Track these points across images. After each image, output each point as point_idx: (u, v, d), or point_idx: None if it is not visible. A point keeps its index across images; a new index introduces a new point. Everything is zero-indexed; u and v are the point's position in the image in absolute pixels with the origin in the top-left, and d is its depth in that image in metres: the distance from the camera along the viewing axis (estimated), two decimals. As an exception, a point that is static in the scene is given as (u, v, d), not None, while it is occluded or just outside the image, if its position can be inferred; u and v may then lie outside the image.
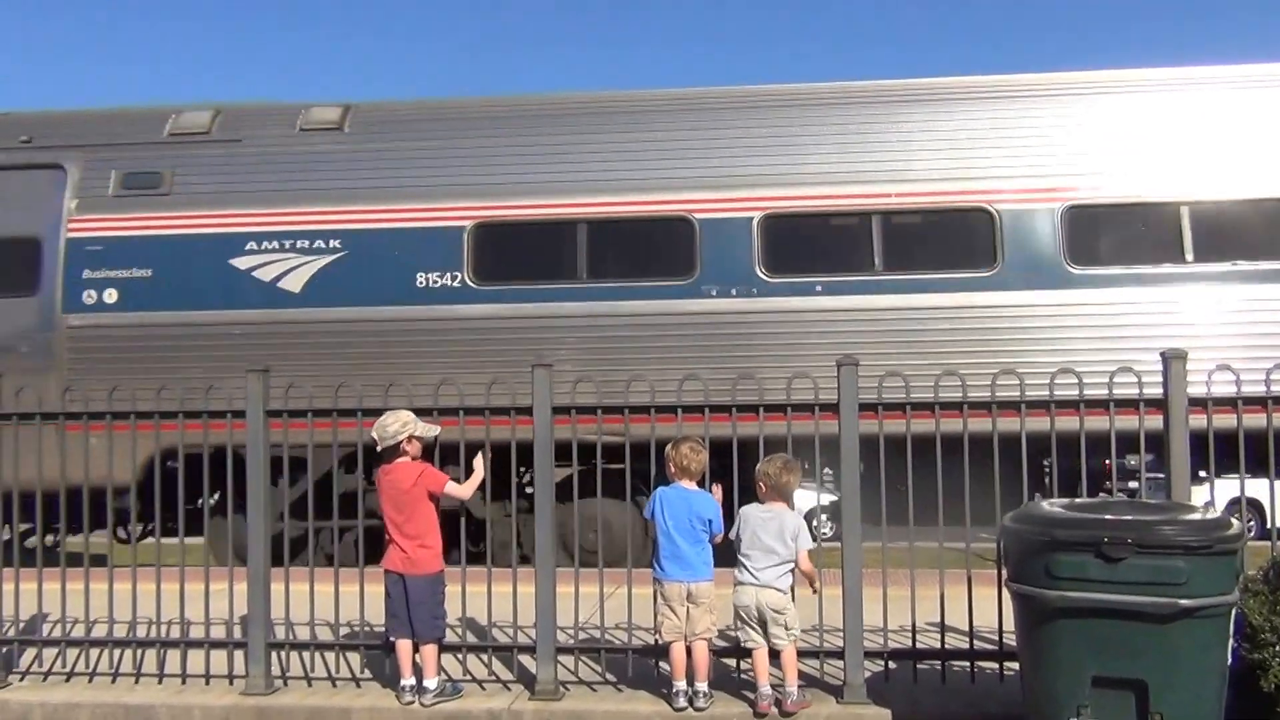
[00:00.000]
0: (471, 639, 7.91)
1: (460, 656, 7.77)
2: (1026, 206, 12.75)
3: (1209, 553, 5.48)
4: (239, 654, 7.82)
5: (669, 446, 7.38)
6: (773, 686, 7.05)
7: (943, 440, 7.31)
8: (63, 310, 13.21)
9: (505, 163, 13.30)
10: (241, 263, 13.17)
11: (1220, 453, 7.41)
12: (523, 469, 10.07)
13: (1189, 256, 12.58)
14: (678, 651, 7.17)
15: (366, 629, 7.86)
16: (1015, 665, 6.63)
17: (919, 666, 7.45)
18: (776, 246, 12.91)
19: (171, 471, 8.93)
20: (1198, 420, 7.26)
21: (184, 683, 7.85)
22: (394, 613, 7.40)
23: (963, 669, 7.41)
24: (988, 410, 7.41)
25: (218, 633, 7.96)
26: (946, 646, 7.43)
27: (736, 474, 7.53)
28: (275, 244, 13.16)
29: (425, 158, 13.47)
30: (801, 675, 7.16)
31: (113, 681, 7.93)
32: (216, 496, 11.88)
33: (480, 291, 12.96)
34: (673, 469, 7.33)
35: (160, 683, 7.88)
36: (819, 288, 12.74)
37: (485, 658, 7.83)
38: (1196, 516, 5.81)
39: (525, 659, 7.73)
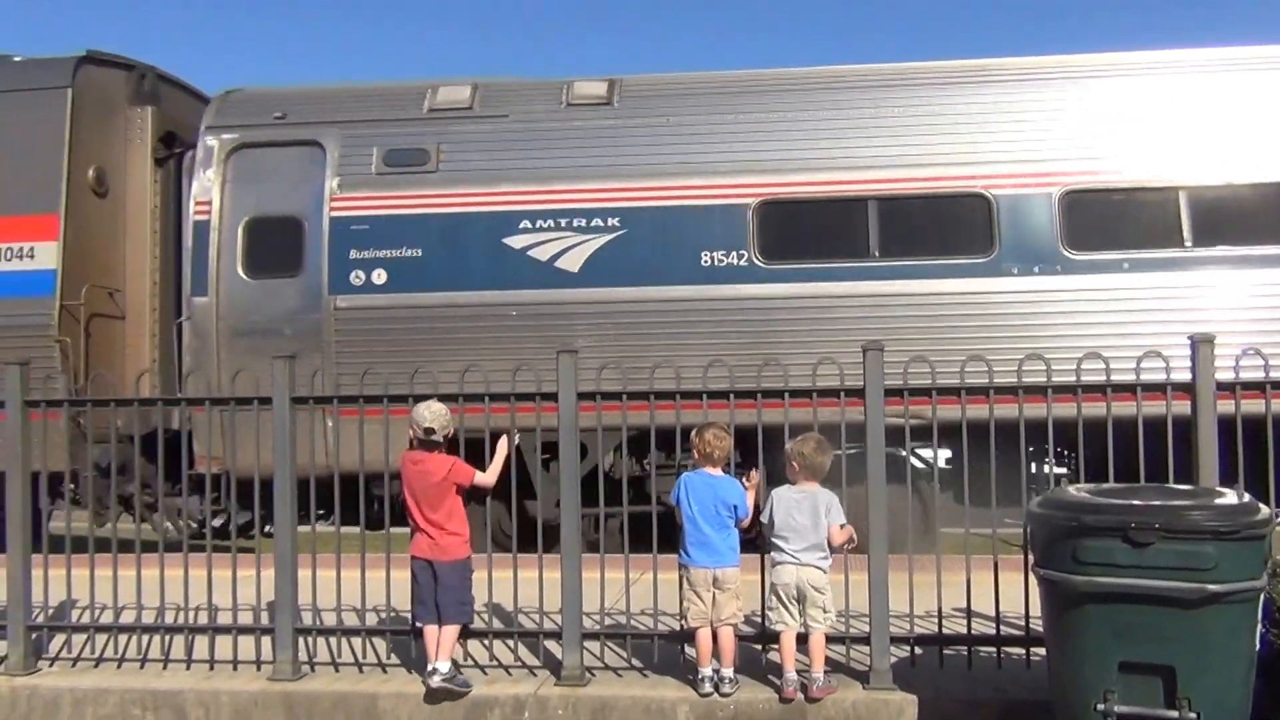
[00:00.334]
0: (497, 625, 7.94)
1: (486, 642, 7.81)
2: None
3: (1237, 538, 5.46)
4: (266, 640, 7.86)
5: (694, 433, 7.38)
6: (798, 672, 7.05)
7: (970, 426, 7.31)
8: (329, 291, 12.83)
9: (791, 138, 12.80)
10: (516, 242, 12.73)
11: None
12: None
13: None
14: (703, 637, 7.18)
15: (393, 615, 7.89)
16: (1042, 651, 6.61)
17: (945, 652, 7.43)
18: (1079, 223, 12.40)
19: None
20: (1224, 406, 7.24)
21: (212, 668, 7.89)
22: (421, 599, 7.42)
23: (989, 655, 7.40)
24: (1014, 395, 7.41)
25: (245, 619, 7.99)
26: (973, 632, 7.41)
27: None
28: (551, 222, 12.73)
29: (704, 132, 12.93)
30: (827, 661, 7.16)
31: (141, 667, 7.97)
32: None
33: (767, 270, 12.48)
34: (697, 455, 7.34)
35: (188, 668, 7.92)
36: (1126, 265, 12.20)
37: (511, 644, 7.83)
38: (1224, 501, 5.79)
39: (551, 645, 7.75)
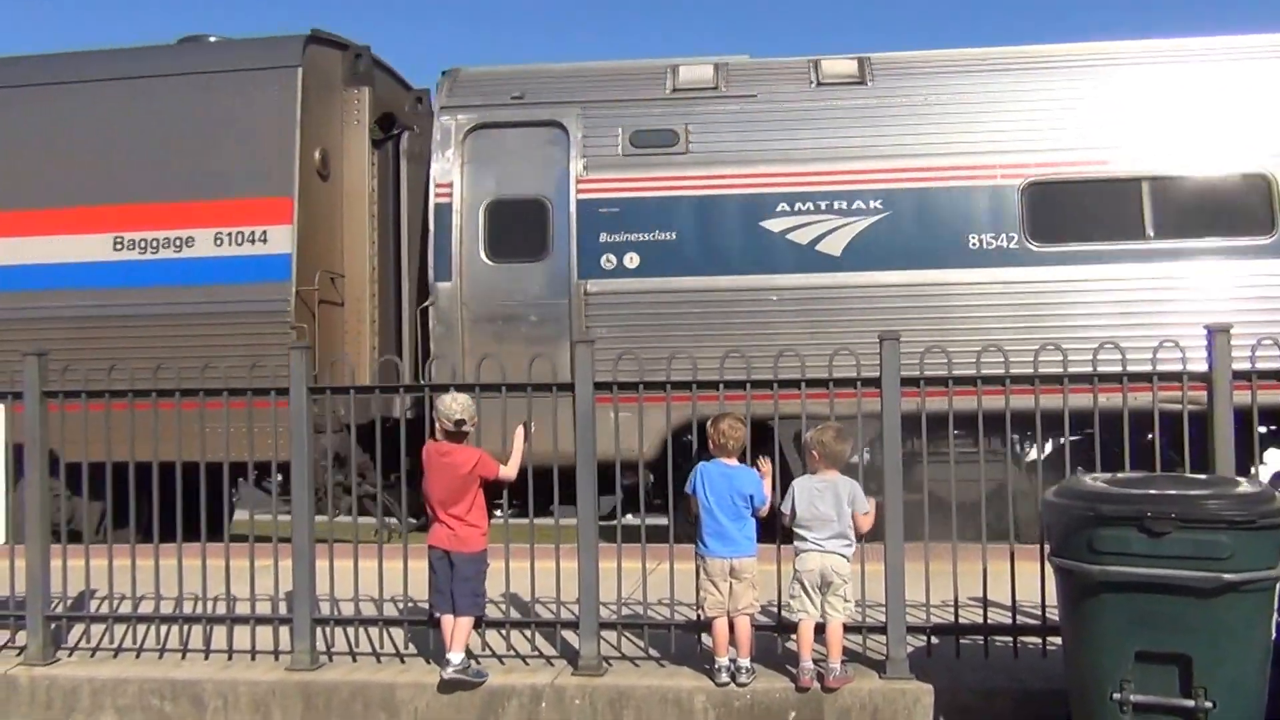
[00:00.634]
0: (515, 615, 7.95)
1: (504, 632, 7.81)
2: None
3: (1253, 527, 5.45)
4: (284, 630, 7.89)
5: (709, 423, 7.39)
6: (815, 661, 7.06)
7: (986, 416, 7.31)
8: (579, 275, 12.55)
9: (1060, 117, 12.44)
10: (774, 225, 12.40)
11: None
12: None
13: None
14: (720, 627, 7.19)
15: (410, 605, 7.92)
16: (1058, 640, 6.61)
17: (962, 642, 7.43)
18: None
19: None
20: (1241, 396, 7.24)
21: (230, 658, 7.92)
22: (438, 588, 7.45)
23: (1005, 644, 7.41)
24: (1031, 385, 7.40)
25: (263, 609, 8.02)
26: (989, 622, 7.41)
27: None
28: (810, 205, 12.39)
29: (966, 111, 12.57)
30: (844, 651, 7.16)
31: (159, 657, 8.01)
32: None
33: (1039, 253, 12.15)
34: (712, 446, 7.35)
35: (206, 658, 7.96)
36: None
37: (528, 633, 7.85)
38: (1240, 490, 5.77)
39: (568, 634, 7.76)
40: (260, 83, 13.01)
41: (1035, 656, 7.27)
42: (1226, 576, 5.39)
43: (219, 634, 8.04)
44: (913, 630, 7.35)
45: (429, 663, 7.68)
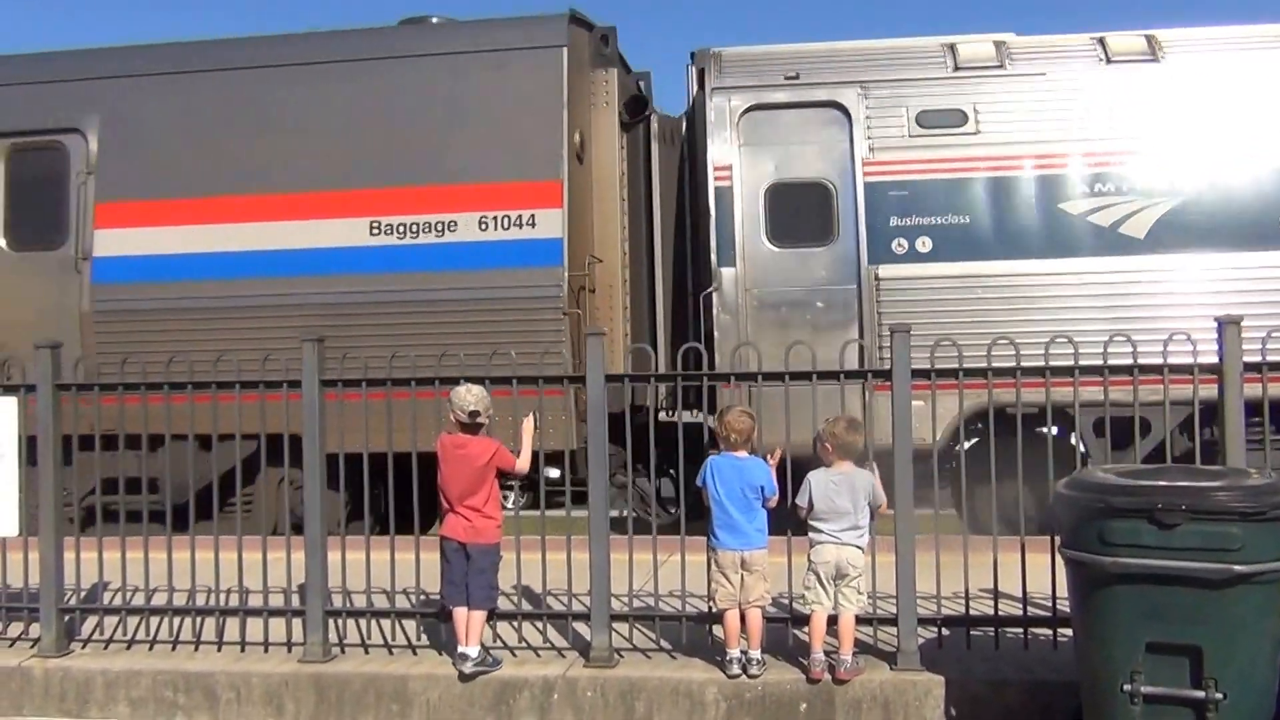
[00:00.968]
0: (526, 607, 7.97)
1: (515, 624, 7.83)
2: None
3: (1263, 518, 5.46)
4: (297, 622, 7.91)
5: (717, 415, 7.40)
6: (826, 653, 7.07)
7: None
8: (869, 260, 12.21)
9: None
10: (1074, 206, 12.12)
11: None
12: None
13: None
14: (731, 619, 7.21)
15: (423, 597, 7.94)
16: (1068, 632, 6.63)
17: (972, 633, 7.45)
18: None
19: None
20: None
21: (243, 650, 7.94)
22: (452, 580, 7.47)
23: (1016, 636, 7.42)
24: (1041, 378, 7.41)
25: (276, 601, 8.04)
26: (1000, 613, 7.42)
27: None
28: (1111, 186, 12.12)
29: (1273, 87, 12.23)
30: (855, 643, 7.17)
31: (173, 649, 8.03)
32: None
33: None
34: (719, 438, 7.37)
35: (219, 650, 7.98)
36: None
37: (540, 625, 7.88)
38: (1250, 482, 5.78)
39: (580, 626, 7.79)
40: (525, 63, 12.73)
41: (1046, 648, 7.28)
42: (1237, 568, 5.40)
43: (232, 626, 8.07)
44: (923, 622, 7.36)
45: (441, 654, 7.71)
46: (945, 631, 7.47)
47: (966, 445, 8.26)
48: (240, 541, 7.98)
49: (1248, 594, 5.46)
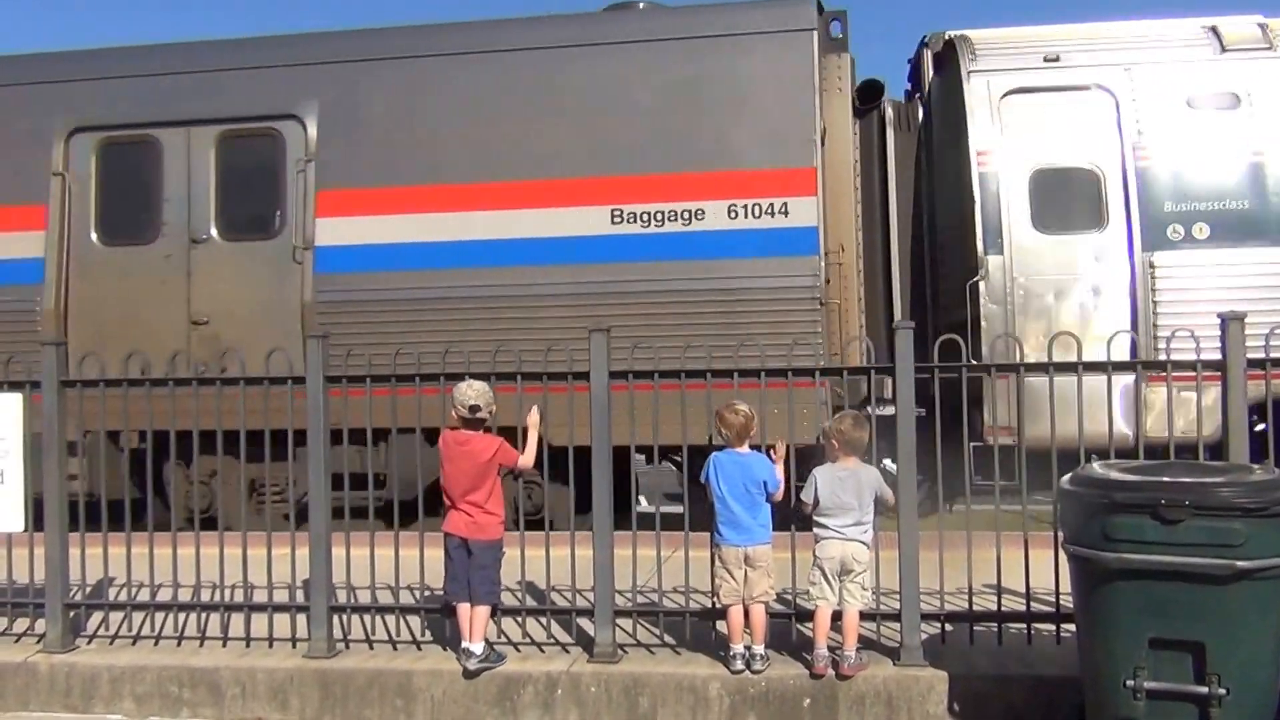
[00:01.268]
0: (530, 602, 7.99)
1: (519, 620, 7.85)
2: None
3: (1266, 514, 5.46)
4: (301, 618, 7.93)
5: (716, 413, 7.40)
6: (830, 649, 7.08)
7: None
8: (1143, 248, 11.73)
9: None
10: None
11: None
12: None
13: None
14: (735, 614, 7.22)
15: (427, 592, 7.95)
16: (1072, 628, 6.63)
17: (975, 629, 7.46)
18: None
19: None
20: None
21: (248, 646, 7.96)
22: (455, 576, 7.48)
23: (1019, 631, 7.43)
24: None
25: (281, 597, 8.06)
26: (1003, 609, 7.44)
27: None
28: None
29: None
30: (859, 638, 7.18)
31: (178, 645, 8.04)
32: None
33: None
34: (718, 435, 7.38)
35: (224, 646, 8.00)
36: None
37: (544, 621, 7.89)
38: (1254, 478, 5.78)
39: (583, 622, 7.81)
40: (773, 47, 12.30)
41: (1049, 644, 7.28)
42: (1240, 564, 5.40)
43: (236, 621, 8.08)
44: (927, 618, 7.37)
45: (445, 650, 7.72)
46: (949, 627, 7.48)
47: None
48: (245, 537, 7.99)
49: (1251, 590, 5.46)
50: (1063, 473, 6.31)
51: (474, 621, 7.41)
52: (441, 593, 7.72)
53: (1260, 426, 7.61)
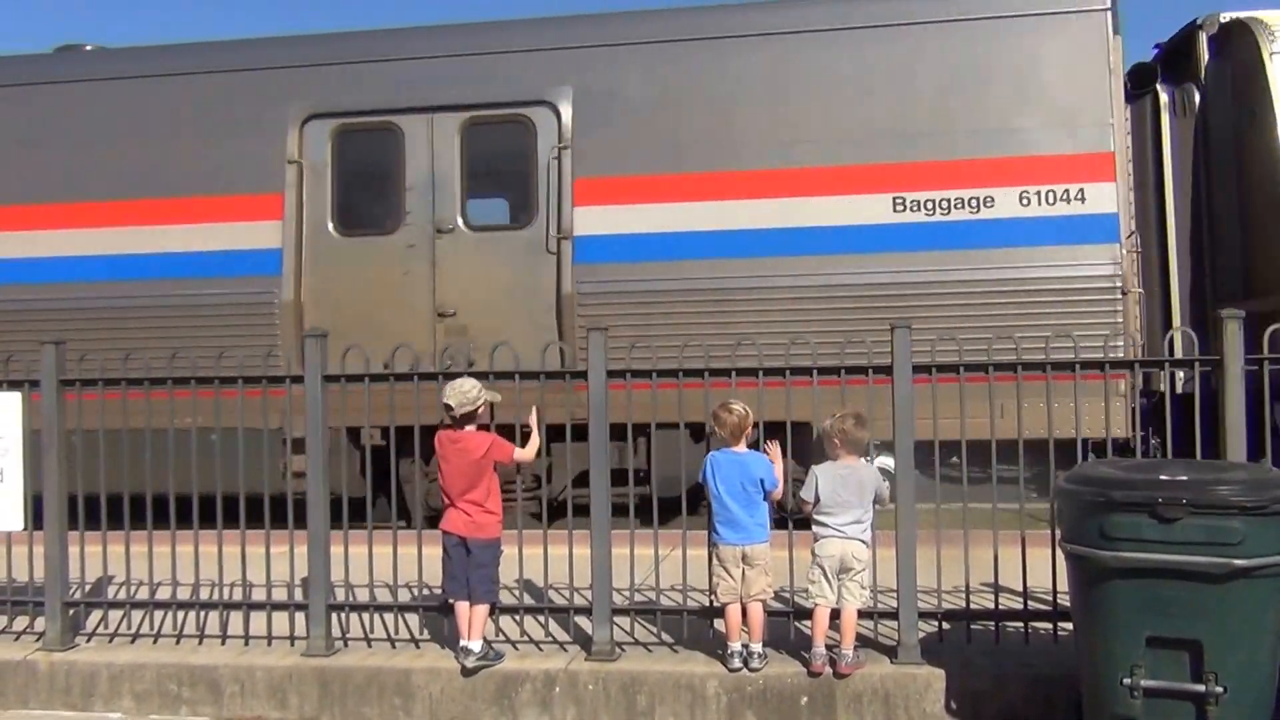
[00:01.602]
0: (528, 601, 8.00)
1: (517, 618, 7.86)
2: None
3: (1264, 513, 5.47)
4: (300, 616, 7.94)
5: (712, 412, 7.41)
6: (827, 647, 7.10)
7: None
8: None
9: None
10: None
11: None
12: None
13: None
14: (733, 613, 7.23)
15: (425, 591, 7.96)
16: (1069, 626, 6.63)
17: (973, 627, 7.47)
18: None
19: None
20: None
21: (247, 644, 7.98)
22: (453, 574, 7.50)
23: (1016, 630, 7.43)
24: (1042, 372, 7.42)
25: (279, 595, 8.07)
26: (1000, 607, 7.45)
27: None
28: None
29: None
30: (856, 636, 7.19)
31: (177, 643, 8.06)
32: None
33: None
34: (713, 434, 7.39)
35: (223, 644, 8.02)
36: None
37: (542, 619, 7.89)
38: (1251, 476, 5.79)
39: (581, 620, 7.81)
40: (1065, 27, 11.82)
41: (1046, 642, 7.29)
42: (1238, 562, 5.41)
43: (235, 620, 8.09)
44: (924, 616, 7.37)
45: (443, 648, 7.73)
46: (946, 625, 7.49)
47: None
48: (244, 535, 8.00)
49: (1248, 588, 5.47)
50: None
51: (472, 620, 7.42)
52: (440, 591, 7.73)
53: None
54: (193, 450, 8.16)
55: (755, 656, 7.18)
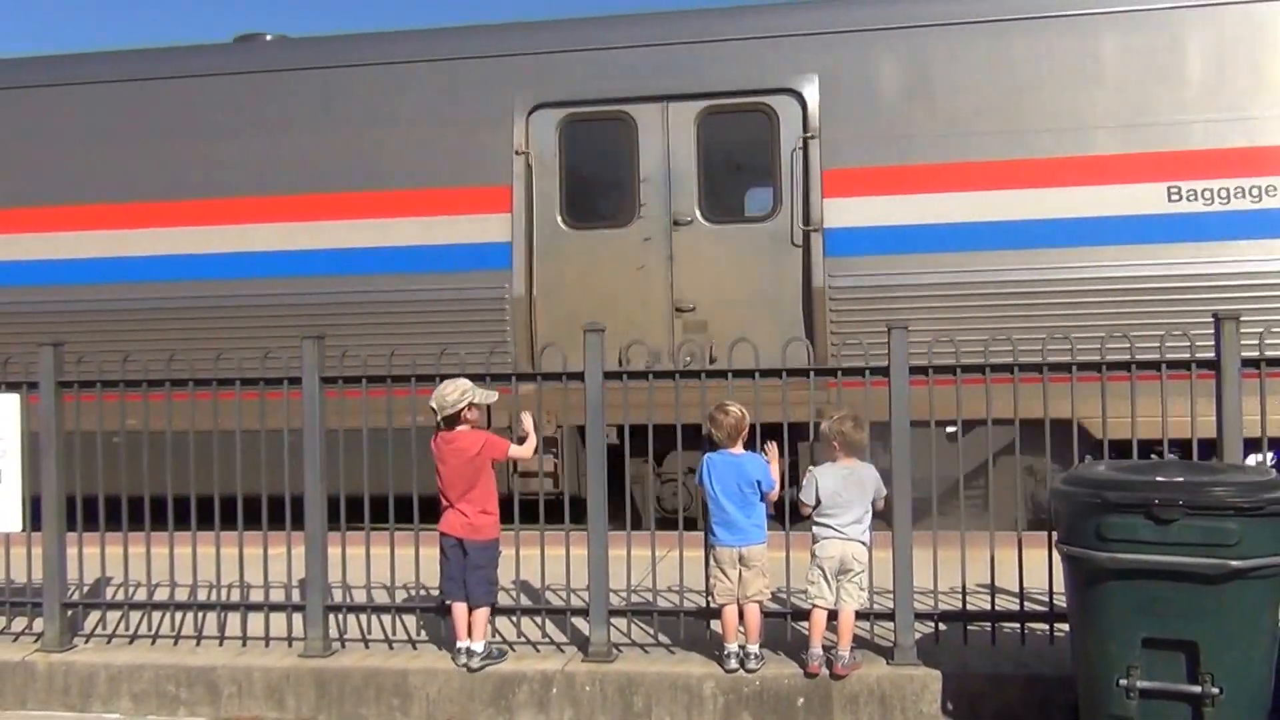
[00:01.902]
0: (525, 602, 7.99)
1: (514, 619, 7.86)
2: None
3: (1260, 514, 5.48)
4: (297, 617, 7.95)
5: (709, 414, 7.41)
6: (824, 648, 7.10)
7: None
8: None
9: None
10: None
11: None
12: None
13: None
14: (729, 614, 7.23)
15: (422, 592, 7.97)
16: (1065, 627, 6.63)
17: (969, 628, 7.48)
18: None
19: None
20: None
21: (244, 645, 7.98)
22: (451, 576, 7.50)
23: (1013, 631, 7.43)
24: (1038, 374, 7.42)
25: (277, 596, 8.07)
26: (997, 608, 7.45)
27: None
28: None
29: None
30: (853, 638, 7.20)
31: (175, 644, 8.06)
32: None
33: None
34: (709, 436, 7.40)
35: (221, 645, 8.02)
36: None
37: (539, 620, 7.90)
38: (1247, 478, 5.80)
39: (578, 621, 7.82)
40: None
41: (1043, 643, 7.30)
42: (1233, 563, 5.42)
43: (233, 621, 8.10)
44: (920, 617, 7.38)
45: (441, 649, 7.74)
46: (942, 626, 7.49)
47: None
48: (241, 537, 8.00)
49: (1244, 589, 5.48)
50: None
51: (474, 621, 7.44)
52: (437, 592, 7.73)
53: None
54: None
55: (752, 657, 7.18)
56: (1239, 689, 5.52)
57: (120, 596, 8.32)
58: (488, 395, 7.63)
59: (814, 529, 7.21)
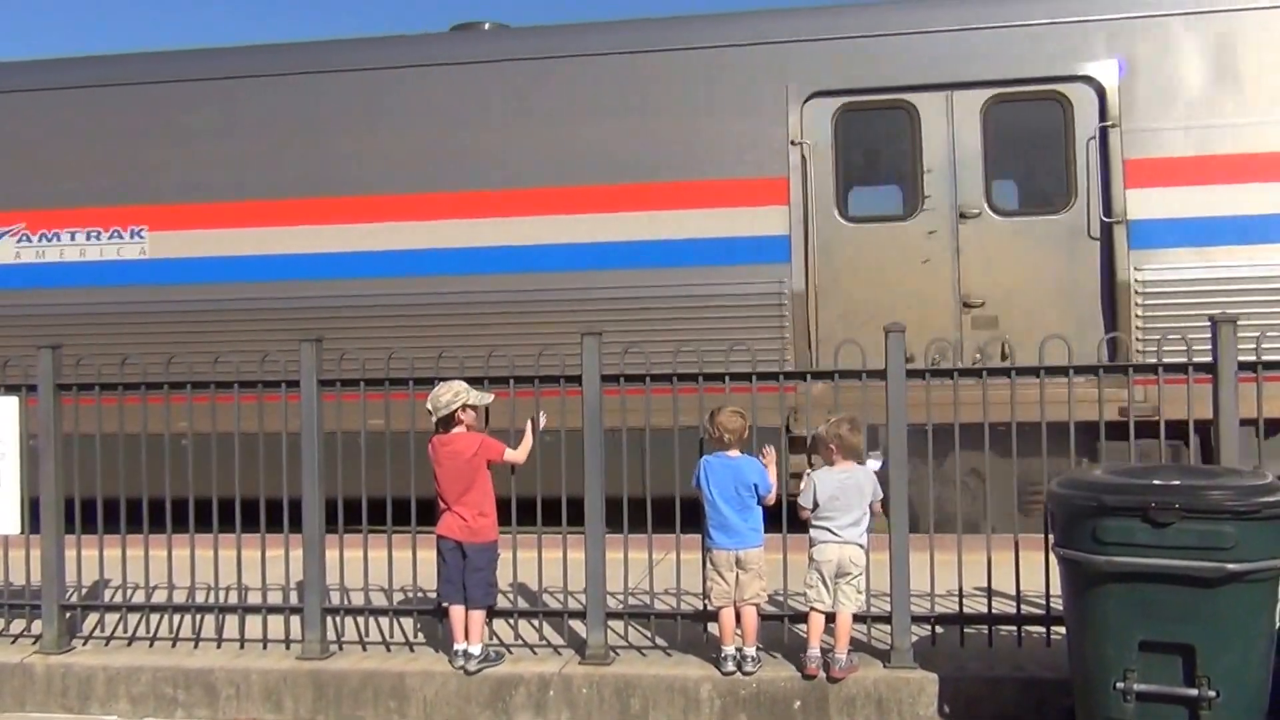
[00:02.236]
0: (522, 604, 8.00)
1: (511, 622, 7.87)
2: None
3: (1256, 517, 5.48)
4: (295, 619, 7.95)
5: (708, 416, 7.41)
6: (821, 651, 7.11)
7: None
8: None
9: None
10: None
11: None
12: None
13: None
14: (726, 616, 7.24)
15: (420, 594, 7.97)
16: (1062, 630, 6.64)
17: (966, 631, 7.47)
18: None
19: None
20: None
21: (242, 647, 7.98)
22: (449, 578, 7.51)
23: (1009, 634, 7.44)
24: (1035, 376, 7.42)
25: (274, 598, 8.08)
26: (993, 611, 7.44)
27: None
28: None
29: None
30: (850, 640, 7.20)
31: (173, 646, 8.07)
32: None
33: None
34: (710, 439, 7.39)
35: (219, 647, 8.02)
36: None
37: (536, 623, 7.92)
38: (1244, 481, 5.80)
39: (575, 624, 7.82)
40: None
41: (1039, 646, 7.30)
42: (1230, 567, 5.43)
43: (231, 623, 8.11)
44: (917, 620, 7.38)
45: (438, 651, 7.75)
46: (939, 629, 7.51)
47: None
48: (239, 539, 8.01)
49: (1241, 592, 5.49)
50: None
51: (471, 623, 7.44)
52: (434, 594, 7.74)
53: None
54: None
55: (749, 660, 7.19)
56: (1236, 692, 5.53)
57: (119, 599, 8.31)
58: (483, 397, 7.63)
59: (812, 532, 7.22)
